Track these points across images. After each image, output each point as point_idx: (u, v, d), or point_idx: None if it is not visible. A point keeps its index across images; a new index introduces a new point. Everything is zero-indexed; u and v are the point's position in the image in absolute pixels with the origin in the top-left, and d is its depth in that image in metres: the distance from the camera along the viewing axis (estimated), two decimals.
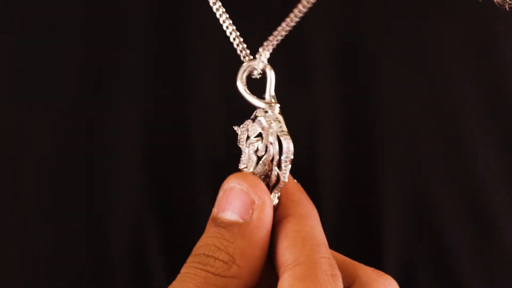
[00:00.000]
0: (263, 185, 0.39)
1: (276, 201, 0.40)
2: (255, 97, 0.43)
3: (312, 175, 0.47)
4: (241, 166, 0.41)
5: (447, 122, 0.48)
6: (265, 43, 0.42)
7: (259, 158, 0.41)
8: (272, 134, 0.42)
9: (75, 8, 0.48)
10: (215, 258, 0.37)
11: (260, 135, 0.42)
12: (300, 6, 0.43)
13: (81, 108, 0.47)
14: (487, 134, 0.48)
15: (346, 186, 0.47)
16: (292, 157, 0.41)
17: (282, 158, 0.41)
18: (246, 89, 0.43)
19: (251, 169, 0.41)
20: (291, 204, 0.39)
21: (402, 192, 0.47)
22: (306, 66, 0.47)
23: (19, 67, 0.48)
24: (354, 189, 0.47)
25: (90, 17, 0.48)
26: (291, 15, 0.43)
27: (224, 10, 0.44)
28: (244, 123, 0.42)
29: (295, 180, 0.41)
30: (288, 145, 0.41)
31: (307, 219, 0.39)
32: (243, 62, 0.43)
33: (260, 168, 0.41)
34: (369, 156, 0.47)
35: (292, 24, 0.43)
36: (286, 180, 0.41)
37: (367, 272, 0.39)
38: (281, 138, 0.42)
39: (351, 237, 0.46)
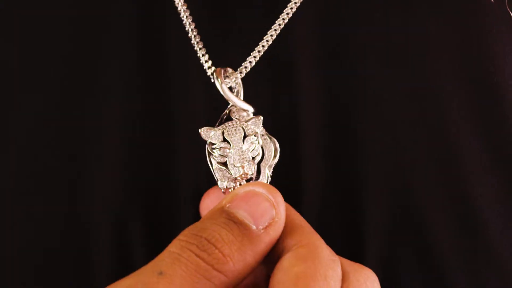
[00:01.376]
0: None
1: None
2: (241, 99, 0.46)
3: (294, 175, 0.47)
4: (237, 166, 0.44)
5: (430, 118, 0.47)
6: (243, 64, 0.46)
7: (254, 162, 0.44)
8: (263, 137, 0.45)
9: (59, 8, 0.48)
10: (216, 248, 0.37)
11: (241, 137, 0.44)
12: (280, 20, 0.46)
13: (63, 108, 0.47)
14: (471, 129, 0.47)
15: (328, 185, 0.47)
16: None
17: (274, 161, 0.45)
18: (229, 90, 0.45)
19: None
20: (297, 231, 0.39)
21: (384, 189, 0.46)
22: (288, 66, 0.47)
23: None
24: (336, 188, 0.47)
25: (73, 17, 0.48)
26: (272, 29, 0.46)
27: (191, 23, 0.46)
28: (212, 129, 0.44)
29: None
30: (278, 148, 0.45)
31: (320, 243, 0.39)
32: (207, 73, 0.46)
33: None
34: (351, 154, 0.47)
35: (273, 38, 0.46)
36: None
37: (348, 265, 0.40)
38: (274, 141, 0.45)
39: (333, 235, 0.46)
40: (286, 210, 0.39)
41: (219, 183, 0.44)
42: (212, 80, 0.46)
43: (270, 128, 0.45)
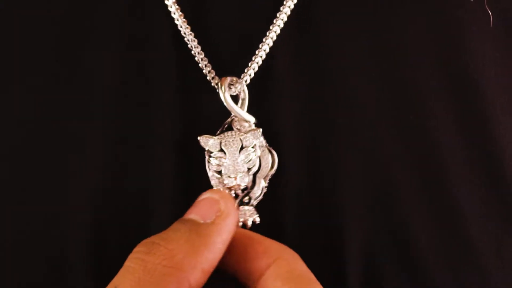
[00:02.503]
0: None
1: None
2: (244, 109, 0.47)
3: (274, 182, 0.47)
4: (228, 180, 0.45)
5: (410, 112, 0.47)
6: (246, 70, 0.47)
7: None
8: (261, 149, 0.46)
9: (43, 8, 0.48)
10: (161, 246, 0.38)
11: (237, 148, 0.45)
12: (276, 26, 0.47)
13: (42, 107, 0.47)
14: (451, 125, 0.47)
15: (307, 183, 0.46)
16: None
17: (272, 170, 0.45)
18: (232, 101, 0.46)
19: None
20: (276, 250, 0.41)
21: (364, 187, 0.46)
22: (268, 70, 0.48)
23: None
24: (316, 186, 0.46)
25: (59, 18, 0.48)
26: (268, 36, 0.47)
27: (190, 30, 0.47)
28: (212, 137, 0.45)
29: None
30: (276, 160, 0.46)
31: (296, 261, 0.40)
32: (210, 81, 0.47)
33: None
34: (330, 150, 0.46)
35: (270, 46, 0.47)
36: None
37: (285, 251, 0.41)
38: (273, 153, 0.46)
39: (312, 234, 0.46)
40: (273, 243, 0.41)
41: None
42: (217, 90, 0.46)
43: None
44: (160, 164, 0.45)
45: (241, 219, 0.45)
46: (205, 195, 0.41)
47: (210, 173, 0.45)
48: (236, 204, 0.43)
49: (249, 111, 0.47)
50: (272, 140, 0.46)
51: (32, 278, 0.45)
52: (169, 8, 0.47)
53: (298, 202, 0.46)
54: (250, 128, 0.46)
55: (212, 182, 0.45)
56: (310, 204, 0.46)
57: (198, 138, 0.45)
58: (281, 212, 0.45)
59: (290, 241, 0.43)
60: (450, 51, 0.48)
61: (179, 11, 0.47)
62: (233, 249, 0.41)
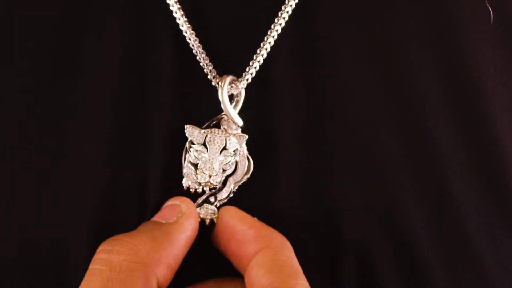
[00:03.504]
0: (193, 204, 0.44)
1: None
2: (236, 110, 0.47)
3: (270, 166, 0.47)
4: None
5: (408, 110, 0.47)
6: (247, 69, 0.47)
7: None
8: (240, 154, 0.46)
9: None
10: (124, 241, 0.39)
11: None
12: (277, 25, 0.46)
13: (44, 102, 0.46)
14: (449, 123, 0.48)
15: (304, 178, 0.47)
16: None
17: (245, 177, 0.46)
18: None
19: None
20: (263, 238, 0.42)
21: (361, 185, 0.47)
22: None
23: None
24: (313, 182, 0.47)
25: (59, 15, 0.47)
26: (269, 34, 0.46)
27: (190, 28, 0.46)
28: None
29: (255, 218, 0.44)
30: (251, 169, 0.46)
31: (283, 250, 0.41)
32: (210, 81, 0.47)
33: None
34: (328, 150, 0.47)
35: (271, 44, 0.47)
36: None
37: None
38: (250, 161, 0.46)
39: (309, 227, 0.46)
40: (261, 230, 0.42)
41: (184, 180, 0.46)
42: (217, 87, 0.46)
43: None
44: (158, 160, 0.46)
45: (201, 216, 0.46)
46: (167, 203, 0.44)
47: (185, 162, 0.46)
48: (196, 205, 0.45)
49: (248, 109, 0.47)
50: (270, 139, 0.47)
51: (33, 278, 0.45)
52: (171, 7, 0.47)
53: (294, 202, 0.46)
54: (237, 132, 0.46)
55: (184, 171, 0.46)
56: (306, 205, 0.46)
57: (185, 126, 0.45)
58: (276, 213, 0.46)
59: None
60: (449, 50, 0.48)
61: (180, 10, 0.47)
62: (226, 231, 0.43)
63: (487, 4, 0.48)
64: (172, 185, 0.46)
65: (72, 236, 0.45)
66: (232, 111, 0.46)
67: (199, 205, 0.46)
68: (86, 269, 0.40)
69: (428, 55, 0.48)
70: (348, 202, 0.46)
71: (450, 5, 0.48)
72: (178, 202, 0.43)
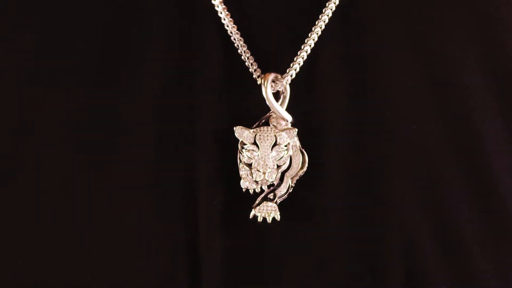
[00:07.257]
0: None
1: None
2: (283, 106, 0.47)
3: (318, 155, 0.47)
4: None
5: (455, 105, 0.47)
6: (291, 64, 0.47)
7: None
8: (293, 148, 0.46)
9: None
10: None
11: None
12: (321, 22, 0.47)
13: (92, 104, 0.48)
14: (496, 116, 0.47)
15: (355, 168, 0.47)
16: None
17: (301, 172, 0.46)
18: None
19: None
20: None
21: (411, 181, 0.47)
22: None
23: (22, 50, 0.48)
24: (362, 181, 0.47)
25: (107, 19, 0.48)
26: (313, 31, 0.47)
27: (234, 27, 0.47)
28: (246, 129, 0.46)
29: None
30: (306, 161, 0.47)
31: None
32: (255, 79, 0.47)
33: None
34: (376, 146, 0.47)
35: (314, 41, 0.47)
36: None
37: None
38: (305, 154, 0.46)
39: (358, 207, 0.47)
40: None
41: (241, 181, 0.46)
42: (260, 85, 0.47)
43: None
44: (207, 160, 0.47)
45: (262, 215, 0.46)
46: None
47: (240, 164, 0.46)
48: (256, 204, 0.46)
49: (292, 106, 0.47)
50: (315, 136, 0.47)
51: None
52: (216, 8, 0.47)
53: (344, 197, 0.47)
54: (286, 127, 0.46)
55: (241, 173, 0.46)
56: (356, 199, 0.47)
57: (234, 128, 0.46)
58: (325, 210, 0.46)
59: (333, 241, 0.45)
60: (494, 48, 0.48)
61: (225, 10, 0.47)
62: None
63: None
64: (222, 185, 0.46)
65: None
66: (278, 107, 0.47)
67: (259, 204, 0.46)
68: None
69: (473, 51, 0.48)
70: (399, 200, 0.46)
71: (495, 2, 0.48)
72: None
